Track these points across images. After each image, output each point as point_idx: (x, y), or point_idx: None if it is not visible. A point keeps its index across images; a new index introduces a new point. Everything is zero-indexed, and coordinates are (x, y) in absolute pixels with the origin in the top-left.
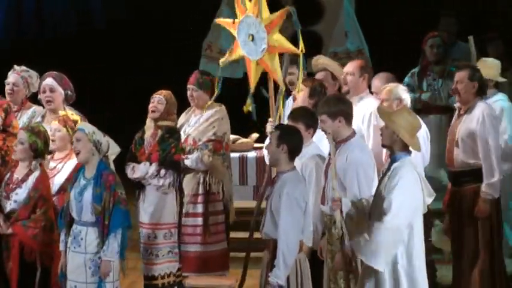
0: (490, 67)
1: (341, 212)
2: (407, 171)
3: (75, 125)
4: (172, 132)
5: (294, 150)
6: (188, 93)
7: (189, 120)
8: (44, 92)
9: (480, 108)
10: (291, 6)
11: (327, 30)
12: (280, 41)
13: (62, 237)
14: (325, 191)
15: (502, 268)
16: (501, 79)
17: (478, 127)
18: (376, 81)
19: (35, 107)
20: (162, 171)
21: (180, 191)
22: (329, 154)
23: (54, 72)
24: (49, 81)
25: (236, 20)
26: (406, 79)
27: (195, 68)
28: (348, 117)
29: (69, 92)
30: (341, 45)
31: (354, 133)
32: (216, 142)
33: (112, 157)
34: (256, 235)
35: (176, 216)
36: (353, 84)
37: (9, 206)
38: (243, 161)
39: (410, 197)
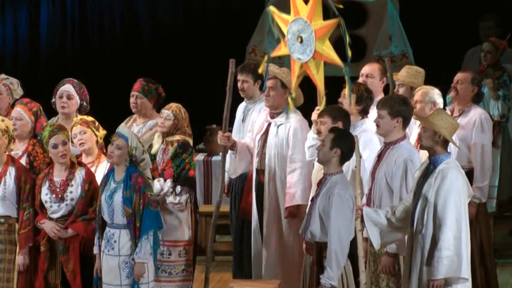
0: (415, 75)
1: (362, 221)
2: (457, 175)
3: (93, 124)
4: (186, 148)
5: (346, 155)
6: (131, 100)
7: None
8: (61, 97)
9: (477, 112)
10: (340, 17)
11: (371, 34)
12: (328, 50)
13: (96, 240)
14: (372, 193)
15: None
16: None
17: (475, 131)
18: None
19: None
20: (178, 188)
21: (195, 207)
22: (377, 156)
23: (75, 80)
24: (68, 87)
25: (288, 17)
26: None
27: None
28: (406, 121)
29: (84, 103)
30: (385, 49)
31: (404, 137)
32: None
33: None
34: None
35: (192, 234)
36: (373, 87)
37: (64, 207)
38: None
39: (464, 202)
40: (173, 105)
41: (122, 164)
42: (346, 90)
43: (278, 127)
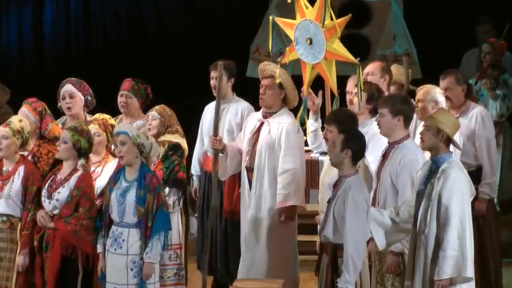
0: (402, 74)
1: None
2: (459, 175)
3: (112, 128)
4: (176, 149)
5: (358, 155)
6: (120, 99)
7: None
8: (64, 98)
9: (477, 109)
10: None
11: (375, 33)
12: (339, 49)
13: (100, 239)
14: (377, 194)
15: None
16: (412, 87)
17: (478, 128)
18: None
19: None
20: (166, 190)
21: (185, 210)
22: (382, 156)
23: (73, 78)
24: (68, 87)
25: (294, 21)
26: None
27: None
28: (407, 119)
29: (89, 98)
30: (389, 48)
31: (408, 135)
32: None
33: (153, 158)
34: None
35: (182, 237)
36: None
37: (51, 205)
38: None
39: (467, 201)
40: (156, 107)
41: (135, 162)
42: (354, 89)
43: (270, 127)
